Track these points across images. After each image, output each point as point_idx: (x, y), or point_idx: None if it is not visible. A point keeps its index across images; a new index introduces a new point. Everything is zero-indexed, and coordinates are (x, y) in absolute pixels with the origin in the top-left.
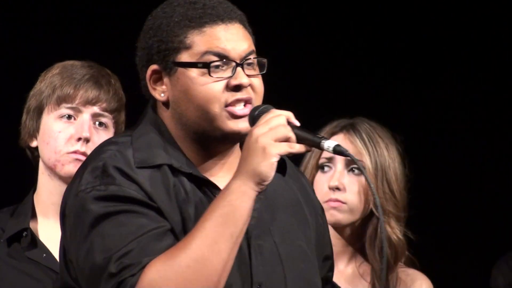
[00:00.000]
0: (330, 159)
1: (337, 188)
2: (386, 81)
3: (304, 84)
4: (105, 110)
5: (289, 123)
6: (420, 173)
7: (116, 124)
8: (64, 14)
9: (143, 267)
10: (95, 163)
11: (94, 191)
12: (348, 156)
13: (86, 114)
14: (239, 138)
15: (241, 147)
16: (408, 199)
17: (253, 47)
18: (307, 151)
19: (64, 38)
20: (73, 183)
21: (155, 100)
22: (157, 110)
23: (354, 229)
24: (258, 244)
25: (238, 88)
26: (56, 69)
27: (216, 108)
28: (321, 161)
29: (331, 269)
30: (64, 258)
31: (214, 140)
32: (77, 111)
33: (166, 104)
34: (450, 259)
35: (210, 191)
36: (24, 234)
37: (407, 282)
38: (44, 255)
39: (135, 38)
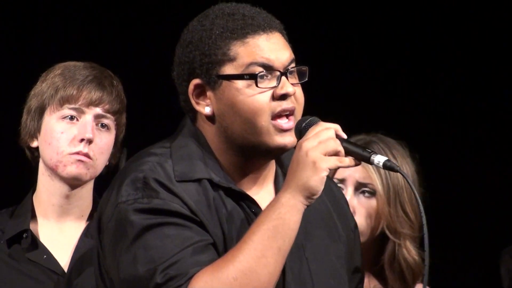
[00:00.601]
0: (342, 180)
1: None
2: (404, 95)
3: (322, 95)
4: (107, 111)
5: (337, 136)
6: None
7: (117, 126)
8: (65, 15)
9: (190, 277)
10: (135, 175)
11: (136, 204)
12: (398, 171)
13: (89, 115)
14: (283, 152)
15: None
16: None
17: (293, 56)
18: (356, 165)
19: (65, 40)
20: (110, 193)
21: (195, 113)
22: (196, 123)
23: (364, 250)
24: (290, 261)
25: (284, 97)
26: (57, 69)
27: (264, 121)
28: None
29: (361, 281)
30: (99, 267)
31: (258, 154)
32: (80, 112)
33: (210, 118)
34: (461, 276)
35: (248, 206)
36: (24, 236)
37: None
38: (45, 256)
39: (137, 41)
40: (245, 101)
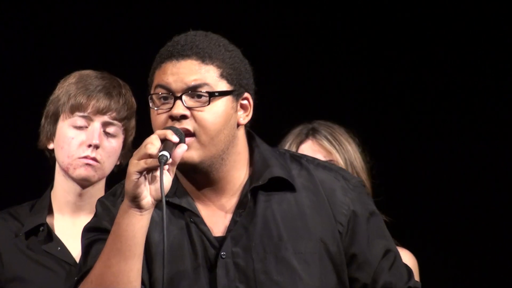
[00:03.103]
0: None
1: None
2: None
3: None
4: (114, 119)
5: (165, 141)
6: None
7: (125, 131)
8: (84, 27)
9: None
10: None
11: (87, 223)
12: (160, 164)
13: (97, 122)
14: (187, 168)
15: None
16: (374, 184)
17: (204, 81)
18: (158, 165)
19: (83, 48)
20: None
21: None
22: None
23: None
24: (234, 262)
25: (173, 118)
26: (73, 78)
27: None
28: None
29: (357, 268)
30: None
31: (180, 171)
32: (89, 119)
33: None
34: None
35: (189, 216)
36: (41, 229)
37: None
38: (59, 248)
39: (146, 49)
40: (152, 119)
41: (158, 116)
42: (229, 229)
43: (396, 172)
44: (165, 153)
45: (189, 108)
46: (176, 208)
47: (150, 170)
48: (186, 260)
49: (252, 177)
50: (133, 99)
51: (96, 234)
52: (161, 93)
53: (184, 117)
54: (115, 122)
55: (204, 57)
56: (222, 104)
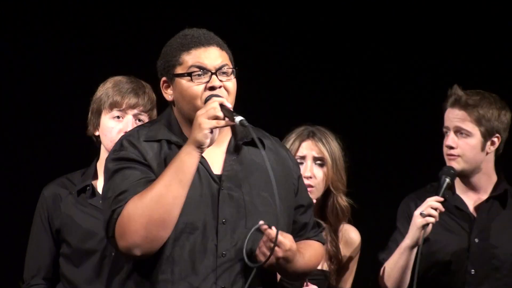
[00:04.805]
0: (303, 157)
1: (310, 177)
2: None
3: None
4: (142, 111)
5: (223, 106)
6: (357, 162)
7: (150, 118)
8: (115, 42)
9: (127, 202)
10: (120, 138)
11: (112, 155)
12: (246, 126)
13: (129, 115)
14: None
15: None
16: (348, 178)
17: (226, 62)
18: (229, 125)
19: (115, 58)
20: None
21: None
22: (172, 107)
23: (316, 201)
24: (229, 194)
25: (212, 88)
26: (109, 83)
27: (199, 102)
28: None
29: (303, 213)
30: None
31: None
32: (124, 112)
33: (173, 102)
34: (374, 218)
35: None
36: (88, 188)
37: (343, 232)
38: (100, 201)
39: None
40: (187, 90)
41: (196, 87)
42: (225, 169)
43: (365, 171)
44: (242, 118)
45: (220, 81)
46: None
47: (216, 127)
48: (196, 189)
49: (235, 137)
50: (153, 94)
51: (125, 162)
52: (199, 71)
53: (220, 86)
54: (143, 113)
55: (220, 45)
56: (234, 77)
